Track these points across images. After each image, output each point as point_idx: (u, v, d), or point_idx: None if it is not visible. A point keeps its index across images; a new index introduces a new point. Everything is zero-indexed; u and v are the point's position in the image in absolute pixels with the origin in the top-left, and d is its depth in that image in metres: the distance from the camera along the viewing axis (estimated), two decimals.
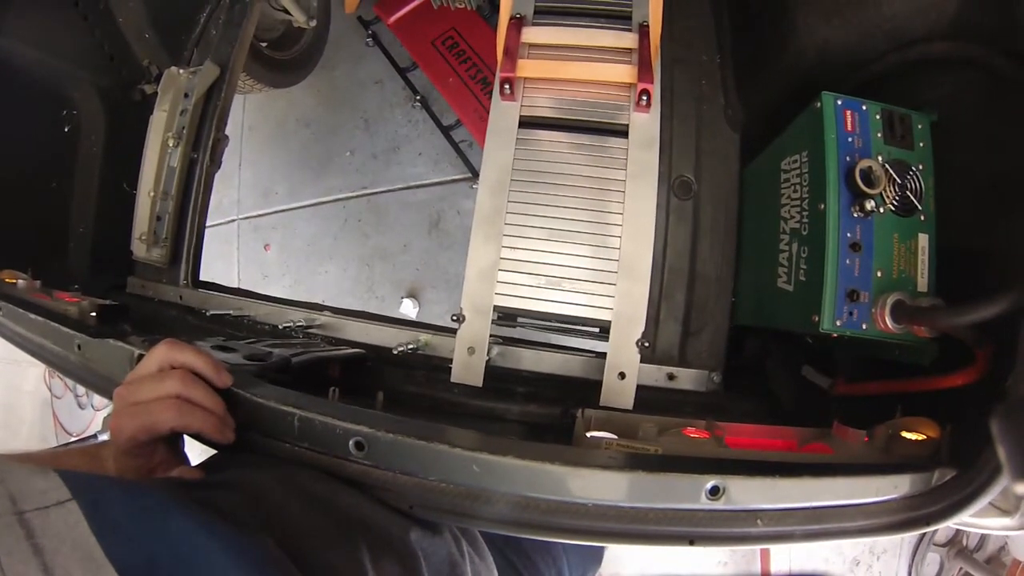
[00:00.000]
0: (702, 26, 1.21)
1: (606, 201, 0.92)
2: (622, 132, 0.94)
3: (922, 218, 0.83)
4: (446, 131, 2.21)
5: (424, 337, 1.02)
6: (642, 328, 0.91)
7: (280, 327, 1.17)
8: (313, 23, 1.89)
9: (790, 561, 2.14)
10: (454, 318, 0.91)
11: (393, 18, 2.23)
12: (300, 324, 1.13)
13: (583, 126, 0.95)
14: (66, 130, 1.47)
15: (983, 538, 2.20)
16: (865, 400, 0.89)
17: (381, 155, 2.33)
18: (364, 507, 0.60)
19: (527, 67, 0.94)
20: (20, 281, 1.21)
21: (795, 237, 0.92)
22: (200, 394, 0.63)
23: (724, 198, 1.14)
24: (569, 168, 0.93)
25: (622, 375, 0.91)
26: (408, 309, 2.12)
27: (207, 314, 1.24)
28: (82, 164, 1.49)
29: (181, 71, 1.45)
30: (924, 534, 2.18)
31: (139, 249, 1.44)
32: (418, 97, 2.27)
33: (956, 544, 2.20)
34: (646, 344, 0.91)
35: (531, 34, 0.97)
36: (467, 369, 0.91)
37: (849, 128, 0.85)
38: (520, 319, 0.94)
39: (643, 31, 0.96)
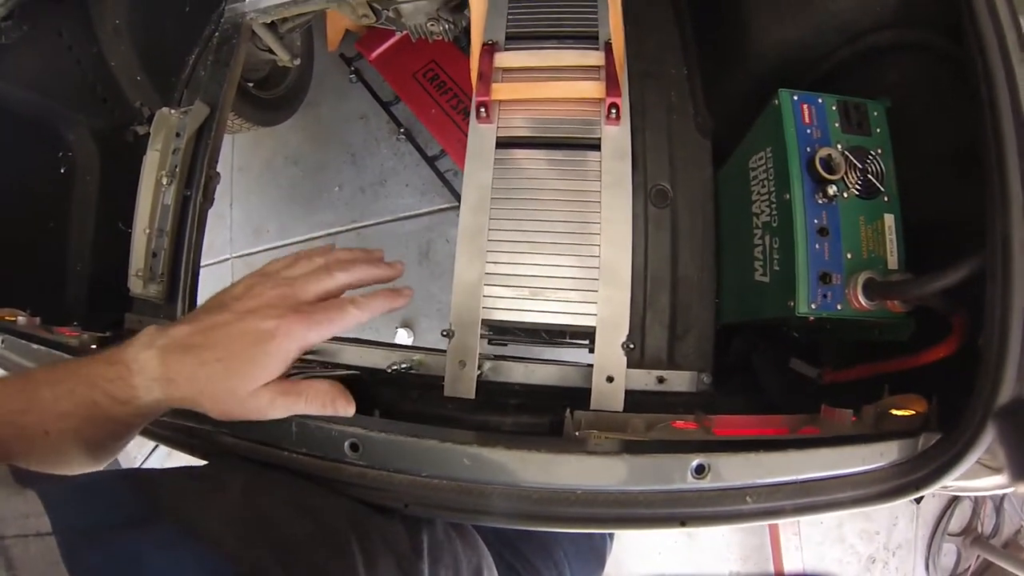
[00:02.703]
0: (668, 40, 1.27)
1: (584, 212, 0.96)
2: (595, 145, 0.99)
3: (886, 199, 0.88)
4: (431, 161, 2.27)
5: (417, 356, 1.05)
6: (626, 331, 0.94)
7: None
8: (297, 62, 1.95)
9: (803, 562, 2.13)
10: (444, 333, 0.94)
11: (375, 54, 2.31)
12: None
13: (558, 142, 0.99)
14: (62, 171, 1.51)
15: (999, 523, 2.19)
16: (854, 386, 0.91)
17: (369, 188, 2.39)
18: (357, 510, 0.62)
19: (501, 90, 0.99)
20: (20, 318, 1.23)
21: (767, 230, 0.96)
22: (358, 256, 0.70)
23: (700, 203, 1.18)
24: (547, 183, 0.97)
25: (610, 379, 0.94)
26: (403, 339, 2.14)
27: None
28: (78, 204, 1.53)
29: (172, 111, 1.49)
30: (938, 526, 2.17)
31: (136, 286, 1.46)
32: (402, 130, 2.33)
33: (971, 532, 2.19)
34: (631, 346, 0.94)
35: (503, 59, 1.02)
36: (459, 382, 0.94)
37: (807, 121, 0.89)
38: (509, 333, 0.97)
39: (608, 48, 1.02)
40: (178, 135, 1.51)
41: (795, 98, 0.91)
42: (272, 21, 1.64)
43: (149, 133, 1.48)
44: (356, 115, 2.50)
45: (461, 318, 0.94)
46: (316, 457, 0.64)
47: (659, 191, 1.16)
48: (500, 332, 0.98)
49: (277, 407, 0.58)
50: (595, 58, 1.01)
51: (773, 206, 0.94)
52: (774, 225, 0.94)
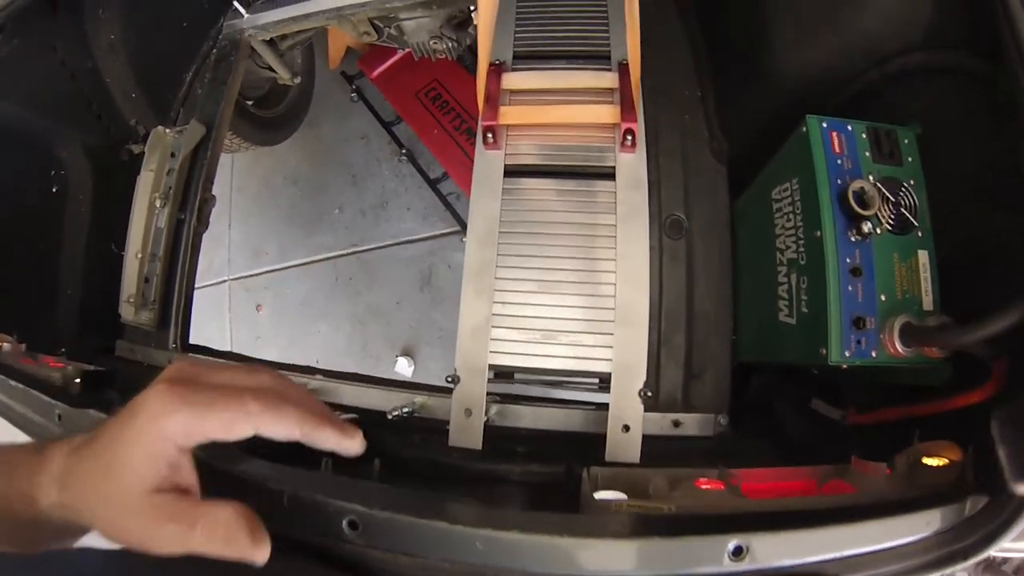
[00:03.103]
0: (679, 58, 1.21)
1: (598, 248, 0.90)
2: (609, 174, 0.93)
3: (919, 234, 0.82)
4: (433, 184, 2.21)
5: (419, 399, 0.99)
6: (643, 377, 0.88)
7: None
8: (297, 80, 1.90)
9: None
10: (449, 379, 0.88)
11: (376, 72, 2.28)
12: None
13: (569, 171, 0.93)
14: (54, 190, 1.45)
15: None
16: (879, 428, 0.86)
17: (370, 211, 2.33)
18: None
19: (509, 114, 0.93)
20: (5, 344, 1.17)
21: (793, 267, 0.90)
22: (301, 393, 0.55)
23: (716, 234, 1.12)
24: (558, 216, 0.91)
25: (626, 428, 0.88)
26: (403, 368, 2.07)
27: None
28: (70, 225, 1.48)
29: (167, 131, 1.44)
30: None
31: (127, 312, 1.40)
32: (404, 151, 2.28)
33: (983, 560, 2.12)
34: (648, 394, 0.88)
35: (511, 80, 0.97)
36: (465, 432, 0.87)
37: (837, 150, 0.84)
38: (517, 376, 0.91)
39: (622, 69, 0.96)
40: (173, 155, 1.45)
41: (824, 125, 0.85)
42: (272, 38, 1.60)
43: (144, 152, 1.44)
44: (357, 135, 2.45)
45: (467, 363, 0.88)
46: (311, 534, 0.58)
47: (674, 221, 1.10)
48: (507, 375, 0.91)
49: (164, 536, 0.45)
50: (608, 80, 0.96)
51: (801, 242, 0.88)
52: (801, 263, 0.88)
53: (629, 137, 0.91)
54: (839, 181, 0.82)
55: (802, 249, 0.87)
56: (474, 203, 0.91)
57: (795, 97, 1.02)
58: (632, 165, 0.93)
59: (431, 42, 1.63)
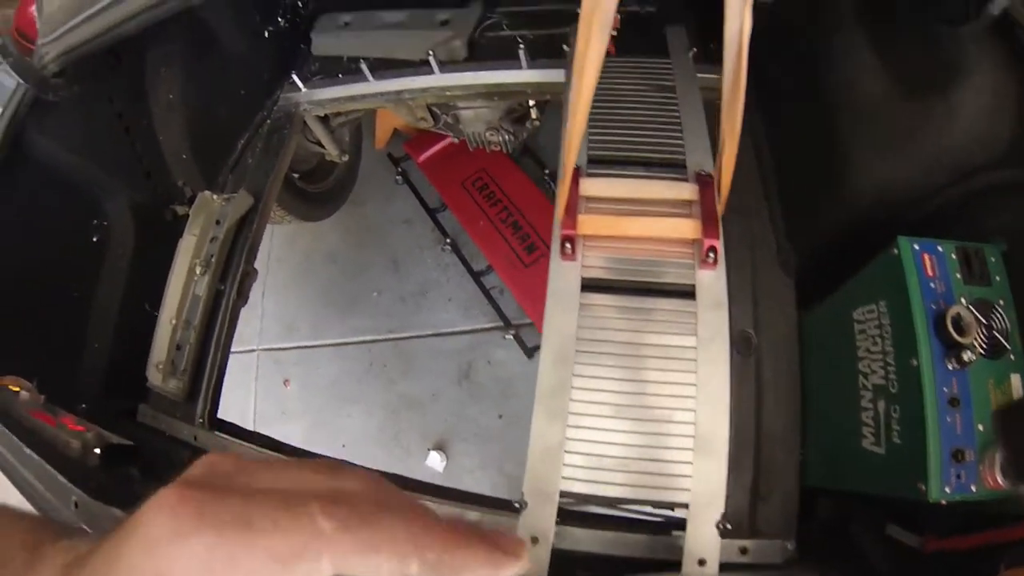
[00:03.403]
0: (746, 166, 1.20)
1: (677, 371, 0.86)
2: (689, 293, 0.89)
3: (1012, 358, 0.78)
4: (477, 277, 2.17)
5: (474, 515, 0.92)
6: (722, 509, 0.82)
7: None
8: (346, 158, 1.90)
9: None
10: (516, 504, 0.82)
11: (423, 157, 2.27)
12: None
13: (648, 287, 0.90)
14: (94, 240, 1.42)
15: None
16: (961, 554, 0.80)
17: (410, 298, 2.28)
18: None
19: (587, 224, 0.90)
20: (24, 393, 1.11)
21: (881, 394, 0.86)
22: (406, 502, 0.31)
23: (785, 350, 1.08)
24: (635, 336, 0.87)
25: (702, 562, 0.81)
26: (435, 462, 1.98)
27: None
28: (106, 277, 1.44)
29: (215, 196, 1.43)
30: None
31: (155, 377, 1.35)
32: (448, 240, 2.24)
33: None
34: (728, 526, 0.81)
35: (589, 187, 0.94)
36: (530, 561, 0.81)
37: (929, 273, 0.81)
38: (588, 503, 0.85)
39: (703, 181, 0.94)
40: (218, 223, 1.43)
41: (915, 247, 0.82)
42: (325, 114, 1.61)
43: (188, 215, 1.44)
44: (400, 219, 2.42)
45: (536, 488, 0.82)
46: None
47: (743, 337, 1.06)
48: (579, 503, 0.85)
49: None
50: (687, 191, 0.93)
51: (891, 369, 0.84)
52: (892, 391, 0.83)
53: (712, 254, 0.88)
54: (934, 306, 0.79)
55: (893, 376, 0.83)
56: (549, 319, 0.87)
57: (872, 212, 1.00)
58: (712, 283, 0.90)
59: (487, 133, 1.64)
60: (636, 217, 0.92)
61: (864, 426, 0.89)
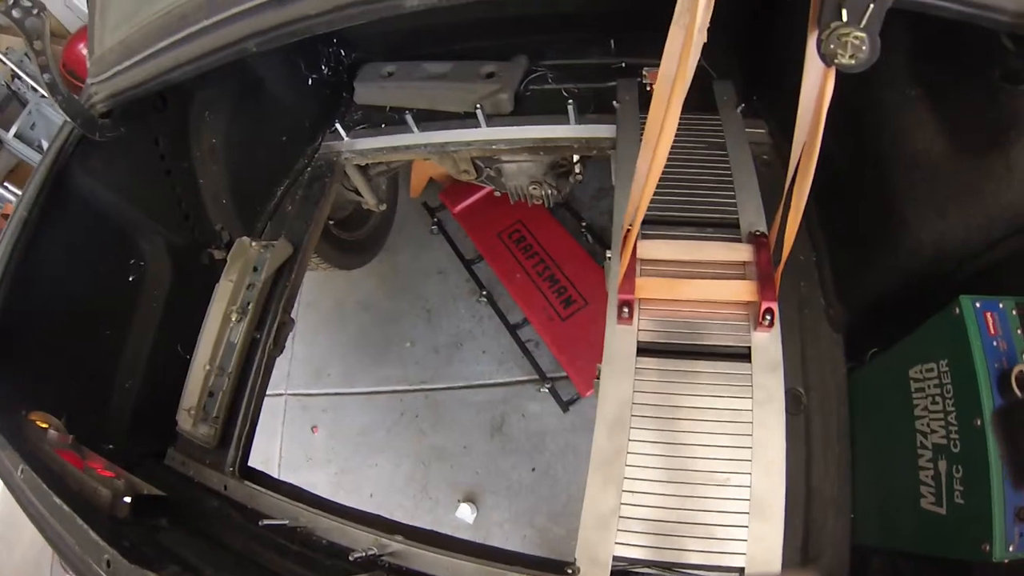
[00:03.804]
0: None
1: (732, 434, 0.85)
2: (744, 355, 0.89)
3: None
4: (512, 330, 2.15)
5: None
6: (778, 572, 0.80)
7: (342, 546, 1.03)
8: (383, 207, 1.93)
9: None
10: (569, 571, 0.80)
11: (459, 207, 2.29)
12: (370, 552, 0.98)
13: (703, 351, 0.89)
14: (130, 279, 1.41)
15: None
16: None
17: (443, 350, 2.26)
18: None
19: (645, 287, 0.90)
20: (51, 431, 1.09)
21: (941, 453, 0.84)
22: None
23: (834, 407, 1.06)
24: (691, 400, 0.86)
25: None
26: (465, 514, 1.94)
27: (260, 524, 1.11)
28: (140, 317, 1.43)
29: (253, 243, 1.44)
30: None
31: (185, 422, 1.34)
32: (484, 292, 2.23)
33: None
34: None
35: (645, 249, 0.94)
36: None
37: (992, 331, 0.80)
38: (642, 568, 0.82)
39: (757, 242, 0.94)
40: (255, 269, 1.43)
41: (977, 305, 0.81)
42: (366, 163, 1.64)
43: (226, 260, 1.45)
44: (435, 269, 2.42)
45: (589, 554, 0.80)
46: None
47: (793, 396, 1.04)
48: (632, 568, 0.83)
49: None
50: (744, 253, 0.93)
51: (953, 428, 0.82)
52: (954, 451, 0.81)
53: (768, 317, 0.87)
54: (997, 365, 0.78)
55: (955, 436, 0.81)
56: (605, 383, 0.86)
57: (928, 267, 0.99)
58: (768, 346, 0.89)
59: (530, 187, 1.65)
60: (692, 280, 0.92)
61: (923, 485, 0.87)
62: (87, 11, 1.33)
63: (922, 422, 0.88)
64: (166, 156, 1.45)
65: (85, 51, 2.78)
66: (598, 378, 0.94)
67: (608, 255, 1.06)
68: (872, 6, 0.56)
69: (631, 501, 0.81)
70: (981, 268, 0.94)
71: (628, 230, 0.90)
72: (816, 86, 0.65)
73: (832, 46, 0.58)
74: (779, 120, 1.29)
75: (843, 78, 1.01)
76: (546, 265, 2.10)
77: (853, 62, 0.58)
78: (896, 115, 1.01)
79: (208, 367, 1.35)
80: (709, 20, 0.62)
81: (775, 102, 1.29)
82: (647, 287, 0.90)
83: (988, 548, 0.72)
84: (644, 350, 0.89)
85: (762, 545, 0.80)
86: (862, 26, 0.57)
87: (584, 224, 2.23)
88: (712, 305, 0.91)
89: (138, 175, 1.40)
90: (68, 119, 1.18)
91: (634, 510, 0.81)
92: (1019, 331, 0.80)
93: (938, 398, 0.85)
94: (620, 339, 0.89)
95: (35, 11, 1.06)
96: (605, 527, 0.80)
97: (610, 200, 2.36)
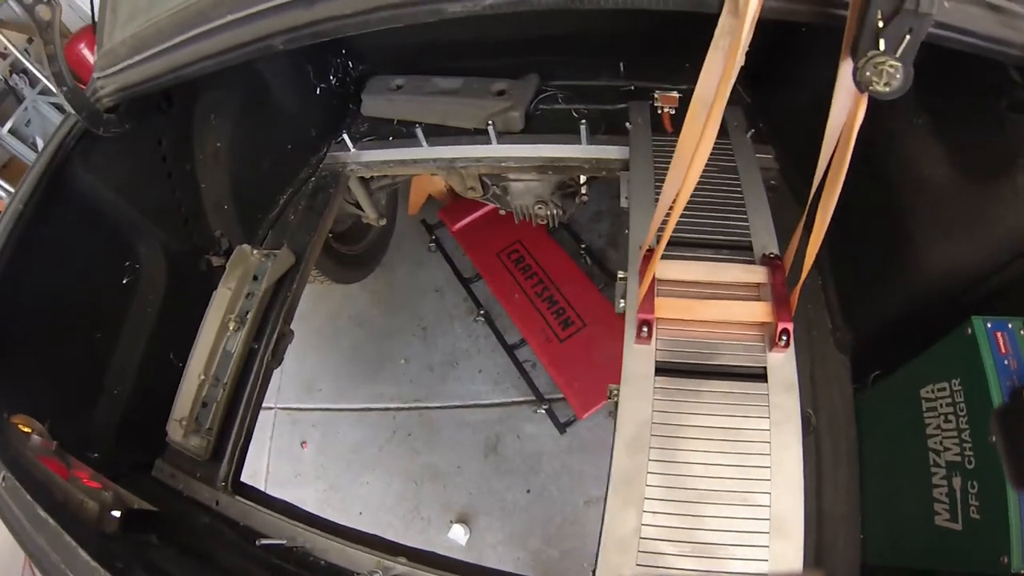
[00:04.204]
0: (799, 245, 1.21)
1: (751, 454, 0.85)
2: (760, 375, 0.89)
3: None
4: (510, 350, 2.13)
5: None
6: None
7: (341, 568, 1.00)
8: (383, 222, 1.91)
9: None
10: None
11: (457, 225, 2.28)
12: (373, 575, 0.95)
13: (720, 371, 0.90)
14: (124, 282, 1.36)
15: None
16: None
17: (438, 368, 2.24)
18: None
19: (664, 307, 0.90)
20: (34, 436, 1.03)
21: (955, 471, 0.85)
22: None
23: (843, 427, 1.08)
24: (709, 419, 0.86)
25: None
26: (458, 535, 1.91)
27: (257, 543, 1.07)
28: (132, 322, 1.37)
29: (253, 251, 1.41)
30: None
31: (176, 433, 1.28)
32: (482, 311, 2.21)
33: None
34: None
35: (664, 270, 0.95)
36: None
37: (1003, 350, 0.82)
38: None
39: (773, 265, 0.95)
40: (255, 278, 1.39)
41: (988, 325, 0.83)
42: (370, 176, 1.63)
43: (224, 267, 1.41)
44: (431, 286, 2.39)
45: None
46: None
47: (803, 417, 1.04)
48: None
49: None
50: (759, 274, 0.94)
51: (967, 446, 0.83)
52: (969, 467, 0.83)
53: (784, 337, 0.88)
54: (1008, 383, 0.79)
55: (969, 452, 0.83)
56: (624, 403, 0.86)
57: (935, 290, 1.01)
58: (783, 366, 0.90)
59: (536, 207, 1.64)
60: (709, 300, 0.92)
61: (937, 503, 0.88)
62: (90, 10, 1.30)
63: (935, 440, 0.90)
64: (168, 157, 1.40)
65: (85, 51, 2.74)
66: (611, 398, 0.94)
67: (620, 275, 1.06)
68: (908, 37, 0.58)
69: (652, 522, 0.80)
70: (990, 291, 0.96)
71: (650, 250, 0.91)
72: (845, 111, 0.67)
73: (868, 73, 0.60)
74: (785, 146, 1.32)
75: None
76: (545, 286, 2.09)
77: (887, 89, 0.60)
78: (903, 141, 1.04)
79: (203, 376, 1.31)
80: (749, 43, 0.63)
81: (781, 128, 1.32)
82: (665, 307, 0.90)
83: (1007, 560, 0.73)
84: (662, 369, 0.89)
85: (783, 563, 0.80)
86: (897, 55, 0.59)
87: (583, 246, 2.24)
88: (728, 326, 0.92)
89: (139, 175, 1.36)
90: (72, 111, 1.14)
91: (654, 531, 0.80)
92: None
93: (951, 416, 0.87)
94: (638, 358, 0.89)
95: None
96: (626, 549, 0.79)
97: (609, 223, 2.44)
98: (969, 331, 0.84)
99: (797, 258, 0.98)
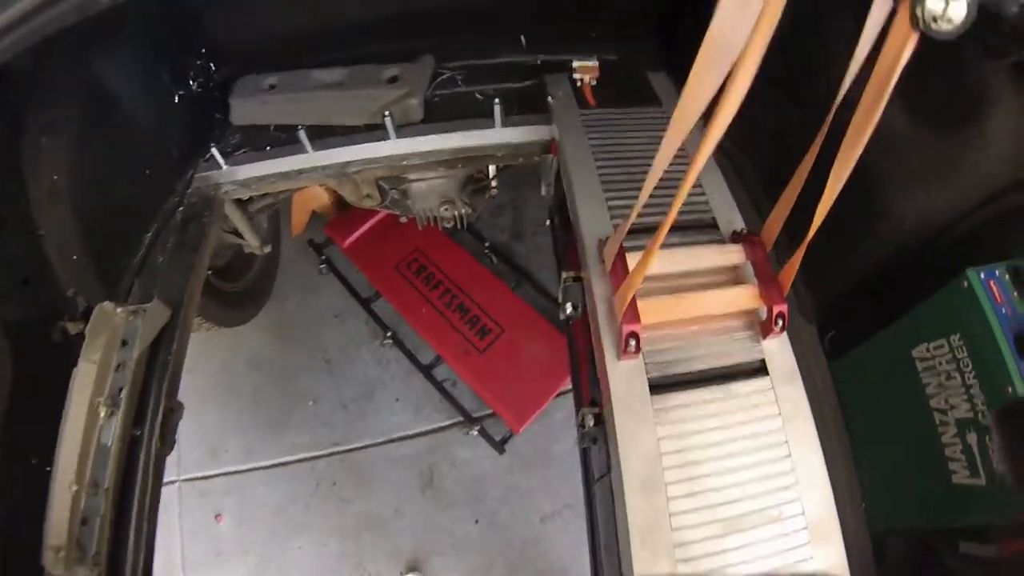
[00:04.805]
0: (746, 205, 1.14)
1: (771, 461, 0.77)
2: (758, 369, 0.81)
3: None
4: (426, 371, 1.99)
5: None
6: None
7: None
8: (267, 249, 1.65)
9: None
10: None
11: (348, 240, 2.11)
12: None
13: (714, 373, 0.81)
14: None
15: None
16: None
17: (352, 403, 2.05)
18: None
19: (649, 311, 0.77)
20: None
21: (968, 427, 0.84)
22: None
23: (823, 397, 1.02)
24: (719, 435, 0.77)
25: None
26: None
27: None
28: None
29: (118, 309, 1.13)
30: None
31: (54, 566, 1.00)
32: (388, 333, 2.06)
33: None
34: None
35: (633, 264, 0.82)
36: None
37: (998, 299, 0.82)
38: None
39: (749, 241, 0.85)
40: (125, 344, 1.13)
41: (982, 276, 0.82)
42: (249, 196, 1.36)
43: (84, 334, 1.12)
44: (330, 313, 2.21)
45: None
46: None
47: None
48: None
49: None
50: (736, 255, 0.84)
51: (979, 400, 0.82)
52: (983, 421, 0.81)
53: (780, 321, 0.79)
54: (1011, 331, 0.79)
55: (982, 407, 0.81)
56: (624, 437, 0.74)
57: (908, 243, 0.98)
58: (781, 352, 0.83)
59: (441, 208, 1.47)
60: (691, 293, 0.81)
61: (953, 461, 0.86)
62: None
63: (938, 399, 0.88)
64: None
65: None
66: (583, 427, 0.84)
67: (565, 276, 0.97)
68: None
69: (687, 569, 0.69)
70: (955, 238, 0.94)
71: (621, 247, 0.77)
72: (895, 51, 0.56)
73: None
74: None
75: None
76: (453, 295, 1.96)
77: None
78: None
79: (75, 485, 1.03)
80: None
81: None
82: (649, 310, 0.77)
83: None
84: (655, 386, 0.77)
85: (830, 568, 0.74)
86: None
87: (487, 244, 2.12)
88: (709, 319, 0.81)
89: None
90: None
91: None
92: (1015, 294, 0.82)
93: (954, 373, 0.86)
94: (627, 378, 0.77)
95: None
96: None
97: (510, 216, 2.32)
98: (966, 284, 0.82)
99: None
